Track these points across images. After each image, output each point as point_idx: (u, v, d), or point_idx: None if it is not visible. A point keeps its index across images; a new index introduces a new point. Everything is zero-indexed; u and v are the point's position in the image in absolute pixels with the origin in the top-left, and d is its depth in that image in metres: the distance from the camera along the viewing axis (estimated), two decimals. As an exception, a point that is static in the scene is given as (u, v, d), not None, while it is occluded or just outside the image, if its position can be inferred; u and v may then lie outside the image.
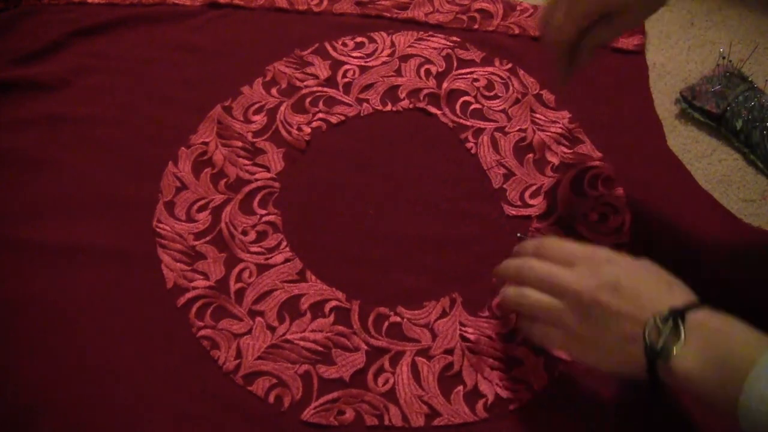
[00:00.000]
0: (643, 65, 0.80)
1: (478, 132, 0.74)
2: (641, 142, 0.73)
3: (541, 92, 0.77)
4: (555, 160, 0.72)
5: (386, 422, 0.58)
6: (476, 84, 0.77)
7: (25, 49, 0.79)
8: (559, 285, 0.54)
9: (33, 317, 0.62)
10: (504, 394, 0.59)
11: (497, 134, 0.74)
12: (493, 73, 0.78)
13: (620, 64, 0.80)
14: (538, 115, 0.75)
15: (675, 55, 0.81)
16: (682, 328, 0.48)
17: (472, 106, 0.76)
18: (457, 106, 0.76)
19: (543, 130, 0.74)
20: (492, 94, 0.77)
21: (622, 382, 0.58)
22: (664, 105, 0.77)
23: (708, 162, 0.73)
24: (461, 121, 0.75)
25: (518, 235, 0.65)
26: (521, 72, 0.78)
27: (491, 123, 0.74)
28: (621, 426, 0.57)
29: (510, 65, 0.79)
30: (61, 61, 0.79)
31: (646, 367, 0.49)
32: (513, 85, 0.77)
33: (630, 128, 0.75)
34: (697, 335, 0.48)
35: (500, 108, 0.76)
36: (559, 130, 0.74)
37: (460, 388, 0.59)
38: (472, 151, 0.73)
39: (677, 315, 0.49)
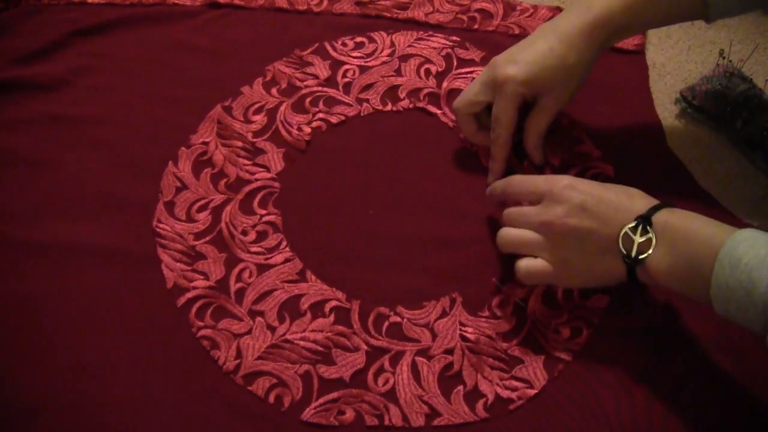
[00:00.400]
0: (643, 65, 0.80)
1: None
2: (641, 142, 0.73)
3: None
4: (555, 161, 0.72)
5: (386, 422, 0.58)
6: None
7: (25, 49, 0.79)
8: (530, 222, 0.60)
9: (33, 317, 0.63)
10: (504, 393, 0.59)
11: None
12: None
13: (620, 64, 0.80)
14: None
15: (675, 55, 0.81)
16: (651, 232, 0.55)
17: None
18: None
19: None
20: None
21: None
22: (664, 105, 0.77)
23: (708, 162, 0.73)
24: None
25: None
26: None
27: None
28: (620, 425, 0.57)
29: None
30: (61, 61, 0.79)
31: (627, 275, 0.56)
32: None
33: (630, 128, 0.75)
34: (664, 236, 0.54)
35: None
36: (561, 129, 0.74)
37: (460, 387, 0.59)
38: (473, 151, 0.73)
39: (644, 221, 0.55)
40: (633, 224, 0.55)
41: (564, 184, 0.59)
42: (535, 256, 0.59)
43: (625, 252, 0.55)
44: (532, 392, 0.59)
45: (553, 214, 0.58)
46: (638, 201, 0.57)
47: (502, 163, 0.69)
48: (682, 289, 0.54)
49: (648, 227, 0.55)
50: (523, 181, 0.62)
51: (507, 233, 0.61)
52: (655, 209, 0.56)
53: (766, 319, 0.48)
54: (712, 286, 0.51)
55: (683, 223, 0.55)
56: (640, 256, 0.55)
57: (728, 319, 0.51)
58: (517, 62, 0.66)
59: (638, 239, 0.55)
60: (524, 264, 0.60)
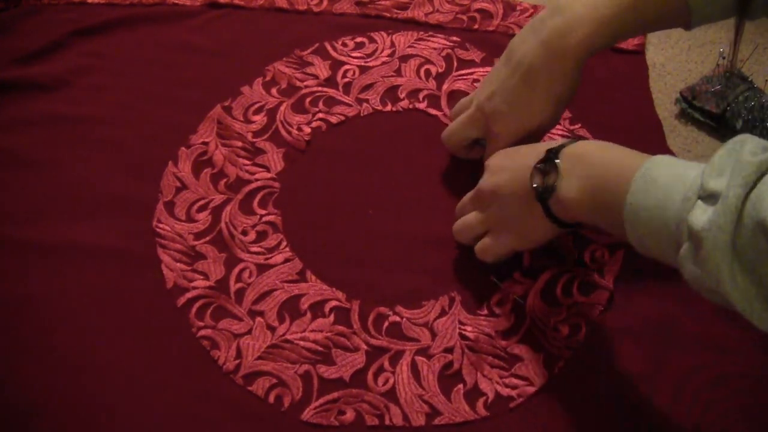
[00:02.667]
0: (643, 65, 0.80)
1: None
2: (641, 142, 0.72)
3: None
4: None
5: (387, 422, 0.58)
6: (476, 84, 0.77)
7: (25, 49, 0.79)
8: (466, 204, 0.64)
9: (33, 317, 0.62)
10: (504, 392, 0.59)
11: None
12: None
13: (620, 64, 0.80)
14: None
15: (675, 55, 0.81)
16: (558, 162, 0.55)
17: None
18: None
19: None
20: None
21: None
22: (664, 105, 0.77)
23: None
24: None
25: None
26: None
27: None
28: (620, 423, 0.57)
29: None
30: (61, 61, 0.79)
31: (543, 211, 0.56)
32: None
33: (630, 128, 0.75)
34: (574, 165, 0.54)
35: None
36: (561, 131, 0.74)
37: (460, 386, 0.59)
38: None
39: (552, 153, 0.55)
40: (542, 157, 0.56)
41: (489, 168, 0.63)
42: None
43: (534, 185, 0.56)
44: (531, 390, 0.59)
45: (479, 185, 0.63)
46: (551, 144, 0.58)
47: None
48: (596, 218, 0.54)
49: (556, 159, 0.55)
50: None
51: (456, 225, 0.65)
52: (568, 143, 0.56)
53: (678, 240, 0.46)
54: (626, 209, 0.49)
55: (595, 150, 0.55)
56: (549, 188, 0.55)
57: (644, 253, 0.50)
58: (505, 116, 0.64)
59: (545, 170, 0.56)
60: (477, 245, 0.63)
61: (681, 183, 0.46)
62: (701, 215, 0.44)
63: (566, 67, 0.61)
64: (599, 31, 0.60)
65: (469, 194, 0.65)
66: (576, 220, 0.56)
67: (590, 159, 0.54)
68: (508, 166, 0.61)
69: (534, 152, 0.58)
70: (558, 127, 0.74)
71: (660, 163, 0.49)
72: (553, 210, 0.56)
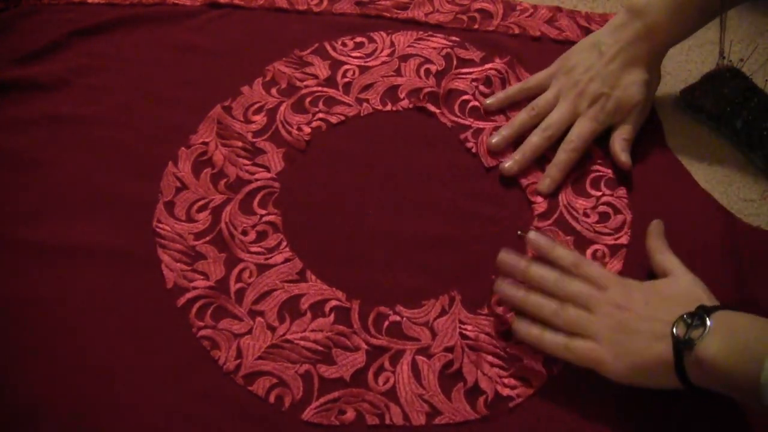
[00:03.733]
0: (643, 65, 0.80)
1: (478, 132, 0.74)
2: (641, 143, 0.73)
3: None
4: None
5: (387, 421, 0.58)
6: (474, 83, 0.77)
7: (25, 49, 0.79)
8: (595, 299, 0.58)
9: (33, 317, 0.62)
10: (504, 391, 0.59)
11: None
12: (491, 68, 0.78)
13: (620, 64, 0.80)
14: None
15: (675, 55, 0.81)
16: (708, 321, 0.52)
17: (471, 104, 0.76)
18: (456, 106, 0.76)
19: None
20: (490, 90, 0.76)
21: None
22: (664, 105, 0.77)
23: (708, 162, 0.73)
24: (460, 120, 0.75)
25: (518, 233, 0.65)
26: (519, 68, 0.78)
27: (490, 122, 0.74)
28: (620, 424, 0.57)
29: (508, 58, 0.79)
30: (61, 61, 0.79)
31: (674, 360, 0.53)
32: (510, 82, 0.77)
33: (630, 128, 0.75)
34: (720, 326, 0.51)
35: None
36: None
37: (461, 385, 0.59)
38: (473, 151, 0.73)
39: (704, 311, 0.53)
40: (692, 312, 0.53)
41: (635, 285, 0.59)
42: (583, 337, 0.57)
43: (675, 334, 0.53)
44: (531, 390, 0.59)
45: (620, 300, 0.57)
46: (706, 300, 0.56)
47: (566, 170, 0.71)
48: (728, 379, 0.51)
49: (706, 317, 0.52)
50: (595, 272, 0.60)
51: (572, 312, 0.58)
52: (721, 307, 0.54)
53: None
54: (765, 370, 0.48)
55: (742, 319, 0.52)
56: (691, 341, 0.52)
57: None
58: (609, 97, 0.71)
59: (693, 324, 0.52)
60: (583, 346, 0.57)
61: None
62: None
63: (654, 54, 0.71)
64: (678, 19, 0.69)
65: (583, 289, 0.59)
66: (703, 384, 0.53)
67: (736, 326, 0.52)
68: (652, 301, 0.57)
69: (685, 301, 0.56)
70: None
71: None
72: (684, 360, 0.53)
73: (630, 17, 0.71)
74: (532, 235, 0.63)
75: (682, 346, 0.52)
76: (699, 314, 0.53)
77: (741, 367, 0.49)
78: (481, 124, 0.74)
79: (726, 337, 0.51)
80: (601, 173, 0.71)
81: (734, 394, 0.52)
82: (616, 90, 0.70)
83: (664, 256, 0.61)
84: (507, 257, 0.61)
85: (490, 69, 0.78)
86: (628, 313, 0.56)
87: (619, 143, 0.71)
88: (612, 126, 0.72)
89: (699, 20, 0.71)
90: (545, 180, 0.70)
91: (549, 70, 0.75)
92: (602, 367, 0.56)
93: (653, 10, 0.69)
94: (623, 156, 0.70)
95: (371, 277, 0.65)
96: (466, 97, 0.76)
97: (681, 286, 0.58)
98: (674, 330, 0.53)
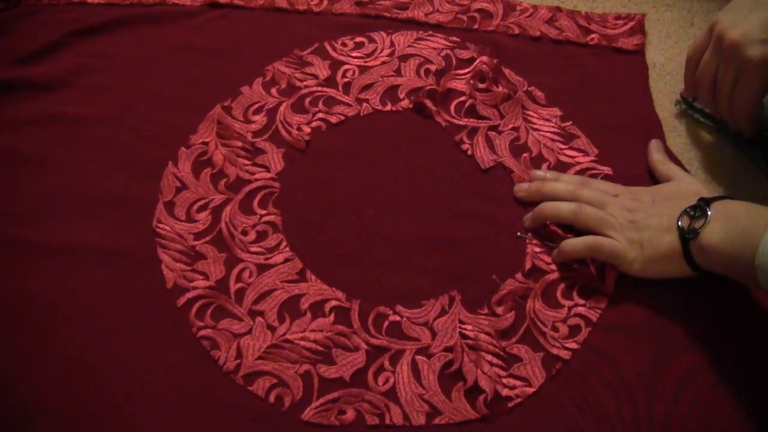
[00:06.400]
0: (643, 65, 0.80)
1: (473, 132, 0.74)
2: (641, 142, 0.73)
3: (530, 89, 0.77)
4: (551, 158, 0.72)
5: (387, 421, 0.58)
6: (471, 82, 0.77)
7: (25, 49, 0.79)
8: (608, 202, 0.65)
9: (33, 317, 0.62)
10: (503, 392, 0.59)
11: (491, 133, 0.74)
12: (484, 63, 0.77)
13: (620, 64, 0.80)
14: (530, 113, 0.75)
15: (675, 55, 0.81)
16: (708, 211, 0.58)
17: (468, 103, 0.75)
18: (452, 107, 0.76)
19: (536, 129, 0.74)
20: (484, 86, 0.76)
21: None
22: (664, 105, 0.77)
23: (708, 162, 0.73)
24: (455, 121, 0.75)
25: (518, 234, 0.65)
26: (507, 71, 0.78)
27: (484, 121, 0.74)
28: (620, 424, 0.57)
29: (495, 60, 0.78)
30: (61, 61, 0.79)
31: (681, 248, 0.60)
32: (501, 83, 0.77)
33: (630, 128, 0.75)
34: (720, 215, 0.58)
35: (492, 103, 0.75)
36: (553, 128, 0.74)
37: (460, 385, 0.59)
38: (468, 152, 0.73)
39: (704, 202, 0.59)
40: (694, 204, 0.60)
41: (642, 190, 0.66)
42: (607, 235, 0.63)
43: (680, 226, 0.60)
44: (530, 390, 0.59)
45: (629, 204, 0.64)
46: (706, 194, 0.62)
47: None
48: (729, 263, 0.56)
49: (707, 208, 0.59)
50: (599, 185, 0.68)
51: (589, 210, 0.64)
52: (720, 197, 0.60)
53: None
54: (758, 254, 0.52)
55: (740, 206, 0.58)
56: (694, 231, 0.58)
57: None
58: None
59: (695, 216, 0.59)
60: (605, 241, 0.63)
61: None
62: None
63: None
64: None
65: (596, 195, 0.66)
66: (710, 268, 0.59)
67: (734, 214, 0.58)
68: (658, 199, 0.64)
69: (687, 196, 0.63)
70: (551, 124, 0.74)
71: None
72: (691, 248, 0.59)
73: None
74: (536, 172, 0.70)
75: (687, 236, 0.59)
76: (700, 205, 0.59)
77: (739, 252, 0.55)
78: (475, 123, 0.74)
79: (725, 224, 0.57)
80: (597, 170, 0.71)
81: (737, 277, 0.57)
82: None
83: (666, 166, 0.69)
84: (521, 183, 0.69)
85: (484, 63, 0.77)
86: (638, 213, 0.63)
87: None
88: None
89: None
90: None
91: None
92: (622, 261, 0.62)
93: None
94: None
95: (371, 277, 0.65)
96: (463, 98, 0.76)
97: (683, 186, 0.65)
98: (679, 222, 0.60)
